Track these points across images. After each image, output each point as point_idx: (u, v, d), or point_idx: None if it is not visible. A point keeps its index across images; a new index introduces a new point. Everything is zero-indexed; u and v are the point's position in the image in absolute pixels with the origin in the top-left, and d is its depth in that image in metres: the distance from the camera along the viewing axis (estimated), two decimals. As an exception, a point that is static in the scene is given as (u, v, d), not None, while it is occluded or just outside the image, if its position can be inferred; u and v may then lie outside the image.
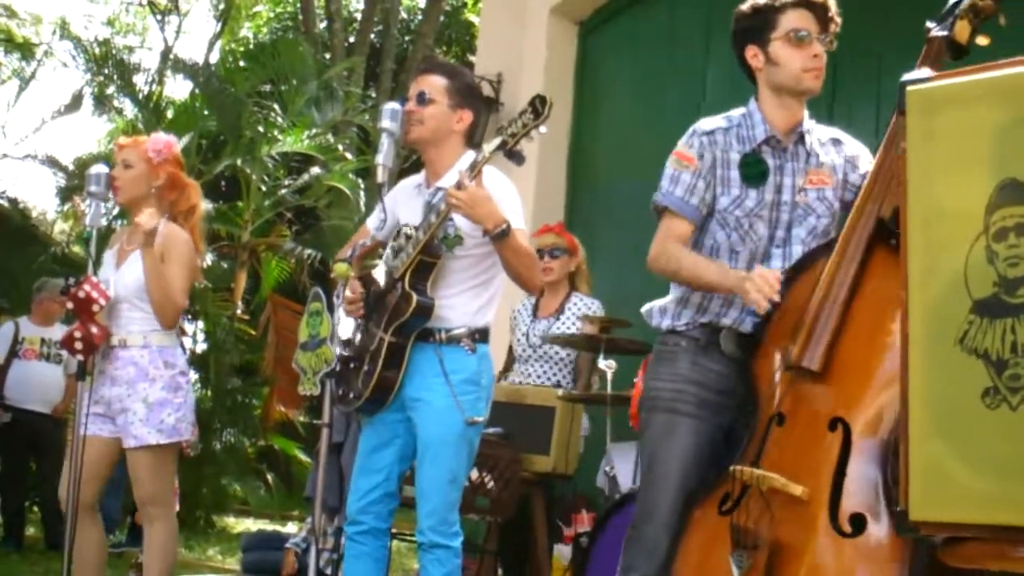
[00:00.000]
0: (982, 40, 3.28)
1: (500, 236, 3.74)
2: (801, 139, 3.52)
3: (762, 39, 3.48)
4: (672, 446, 3.43)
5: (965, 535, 2.57)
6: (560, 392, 5.61)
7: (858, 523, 2.90)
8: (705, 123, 3.56)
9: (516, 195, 3.99)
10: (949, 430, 2.49)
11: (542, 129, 3.64)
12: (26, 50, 19.73)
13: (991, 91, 2.55)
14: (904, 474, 2.57)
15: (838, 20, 3.48)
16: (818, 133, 3.59)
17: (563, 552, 5.80)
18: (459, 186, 3.69)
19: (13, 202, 17.21)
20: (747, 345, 3.38)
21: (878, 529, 2.87)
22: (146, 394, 4.51)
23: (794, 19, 3.44)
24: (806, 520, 2.97)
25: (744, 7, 3.55)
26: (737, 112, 3.58)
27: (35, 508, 9.35)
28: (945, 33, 3.27)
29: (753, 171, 3.48)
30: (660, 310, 3.61)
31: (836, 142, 3.59)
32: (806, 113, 3.55)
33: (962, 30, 3.26)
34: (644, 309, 3.69)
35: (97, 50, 14.22)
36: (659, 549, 3.33)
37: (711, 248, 3.52)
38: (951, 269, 2.51)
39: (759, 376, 3.29)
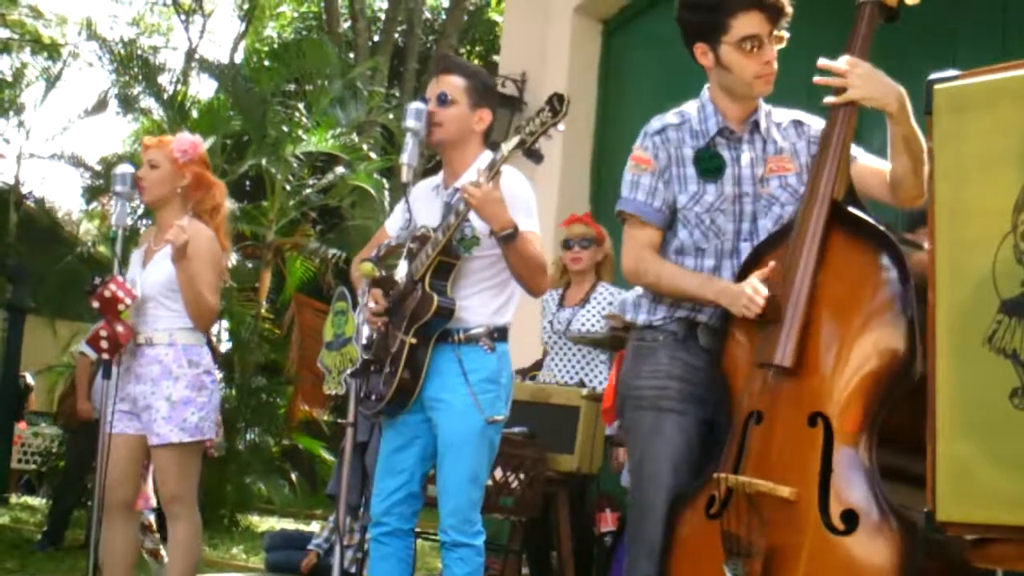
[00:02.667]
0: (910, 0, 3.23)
1: (506, 239, 3.74)
2: (756, 127, 3.45)
3: (711, 40, 3.37)
4: (661, 443, 3.38)
5: (992, 536, 2.55)
6: (584, 391, 5.60)
7: (850, 519, 2.86)
8: (655, 121, 3.51)
9: (532, 196, 3.98)
10: (976, 431, 2.47)
11: (560, 127, 3.63)
12: (52, 50, 19.85)
13: (1019, 90, 2.54)
14: (931, 474, 2.56)
15: (789, 10, 3.34)
16: (777, 116, 3.50)
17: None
18: (476, 183, 3.69)
19: (40, 202, 17.33)
20: (720, 337, 3.34)
21: (871, 523, 2.84)
22: (169, 392, 4.52)
23: (745, 24, 3.30)
24: (798, 521, 2.93)
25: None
26: (691, 105, 3.51)
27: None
28: None
29: (709, 165, 3.41)
30: (634, 304, 3.54)
31: (798, 124, 3.50)
32: (761, 100, 3.46)
33: None
34: (621, 303, 3.65)
35: (122, 50, 14.27)
36: (660, 548, 3.29)
37: (676, 248, 3.46)
38: (979, 268, 2.50)
39: (731, 367, 3.25)
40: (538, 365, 6.30)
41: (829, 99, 3.19)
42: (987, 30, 5.76)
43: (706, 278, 3.37)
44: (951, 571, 2.80)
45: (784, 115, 3.52)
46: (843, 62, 3.17)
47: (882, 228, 3.03)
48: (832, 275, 3.07)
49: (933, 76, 2.70)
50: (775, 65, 3.37)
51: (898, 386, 2.91)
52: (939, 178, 2.63)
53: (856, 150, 3.38)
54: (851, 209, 3.12)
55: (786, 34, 3.37)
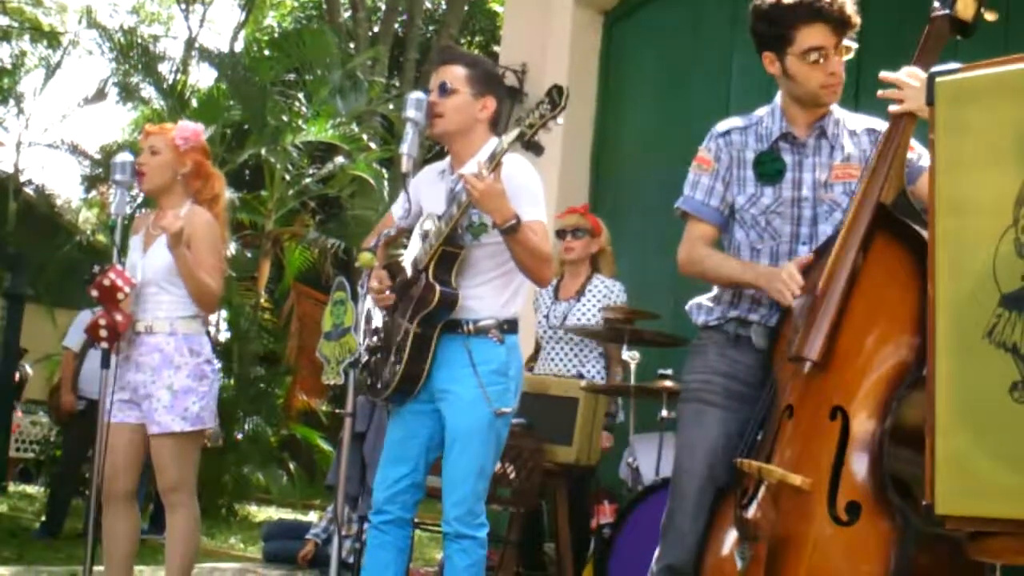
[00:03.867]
0: (990, 16, 3.22)
1: (508, 231, 3.75)
2: (823, 133, 3.48)
3: (778, 50, 3.42)
4: (700, 435, 3.47)
5: (991, 530, 2.55)
6: (583, 383, 5.60)
7: (854, 511, 2.89)
8: (722, 124, 3.59)
9: (538, 185, 3.98)
10: (976, 424, 2.47)
11: (559, 120, 3.65)
12: (52, 39, 19.84)
13: (1020, 83, 2.53)
14: (930, 468, 2.56)
15: (856, 20, 3.38)
16: (851, 123, 3.54)
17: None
18: (479, 176, 3.69)
19: (39, 190, 17.31)
20: (772, 337, 3.39)
21: (870, 515, 2.87)
22: (171, 381, 4.52)
23: (810, 37, 3.35)
24: (806, 510, 2.98)
25: (760, 7, 3.45)
26: (763, 109, 3.57)
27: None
28: (947, 11, 3.22)
29: (768, 169, 3.48)
30: (698, 307, 3.64)
31: (871, 131, 3.52)
32: (834, 107, 3.50)
33: (966, 6, 3.20)
34: (688, 306, 3.71)
35: (122, 39, 14.22)
36: (689, 537, 3.37)
37: (733, 247, 3.55)
38: (979, 262, 2.49)
39: (779, 365, 3.29)
40: (532, 359, 6.29)
41: (893, 108, 3.21)
42: (990, 28, 5.74)
43: (748, 263, 3.45)
44: (946, 565, 2.81)
45: (859, 122, 3.55)
46: (902, 74, 3.19)
47: (923, 234, 3.01)
48: (869, 276, 3.10)
49: (935, 69, 2.70)
50: (842, 75, 3.41)
51: (908, 381, 2.94)
52: (940, 171, 2.63)
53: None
54: (898, 214, 3.13)
55: (854, 45, 3.39)
